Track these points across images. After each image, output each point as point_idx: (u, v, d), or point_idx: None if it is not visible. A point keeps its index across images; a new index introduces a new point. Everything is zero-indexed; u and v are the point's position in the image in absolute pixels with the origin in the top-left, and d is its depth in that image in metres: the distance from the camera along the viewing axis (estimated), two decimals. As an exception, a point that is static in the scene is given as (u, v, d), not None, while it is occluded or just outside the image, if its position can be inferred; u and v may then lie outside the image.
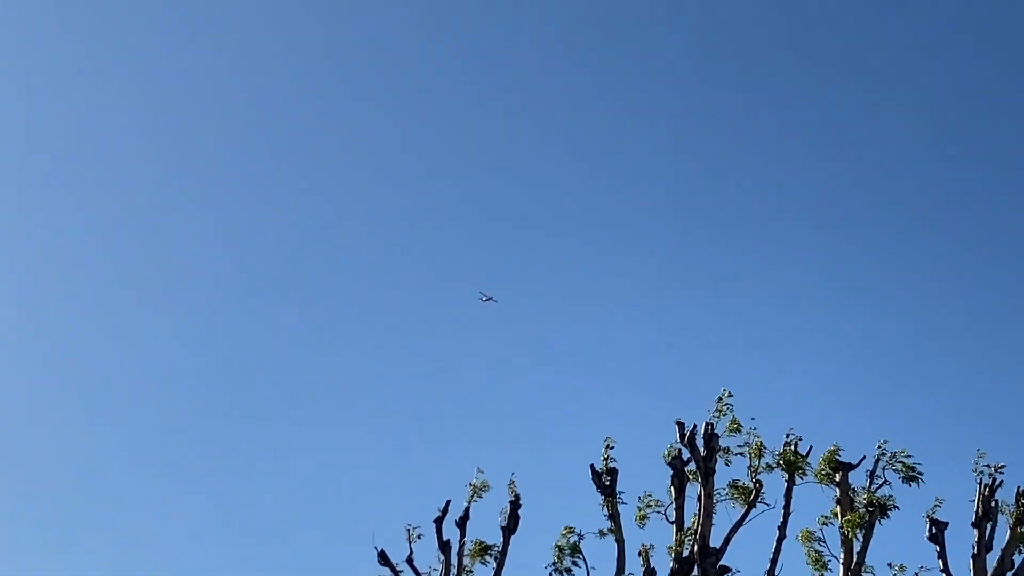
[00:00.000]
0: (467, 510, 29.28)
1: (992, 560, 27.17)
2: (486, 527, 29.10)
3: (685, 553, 26.76)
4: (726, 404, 28.00)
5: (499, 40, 79.01)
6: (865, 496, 27.01)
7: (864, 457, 27.23)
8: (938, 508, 27.08)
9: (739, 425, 27.84)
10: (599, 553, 27.83)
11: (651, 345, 71.64)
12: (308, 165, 79.43)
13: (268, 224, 78.85)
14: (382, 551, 28.82)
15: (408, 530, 29.05)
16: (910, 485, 26.97)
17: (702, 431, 27.83)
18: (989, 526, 27.12)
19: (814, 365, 67.78)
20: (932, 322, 72.27)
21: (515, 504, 29.12)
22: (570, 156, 79.90)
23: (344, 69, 80.00)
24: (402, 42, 78.53)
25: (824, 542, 27.09)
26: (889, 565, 26.88)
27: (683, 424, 28.08)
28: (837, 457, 27.42)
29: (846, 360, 69.08)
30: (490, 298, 59.48)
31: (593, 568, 27.70)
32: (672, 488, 27.85)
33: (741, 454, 27.63)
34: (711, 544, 26.64)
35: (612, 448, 28.54)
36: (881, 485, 27.09)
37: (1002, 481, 27.19)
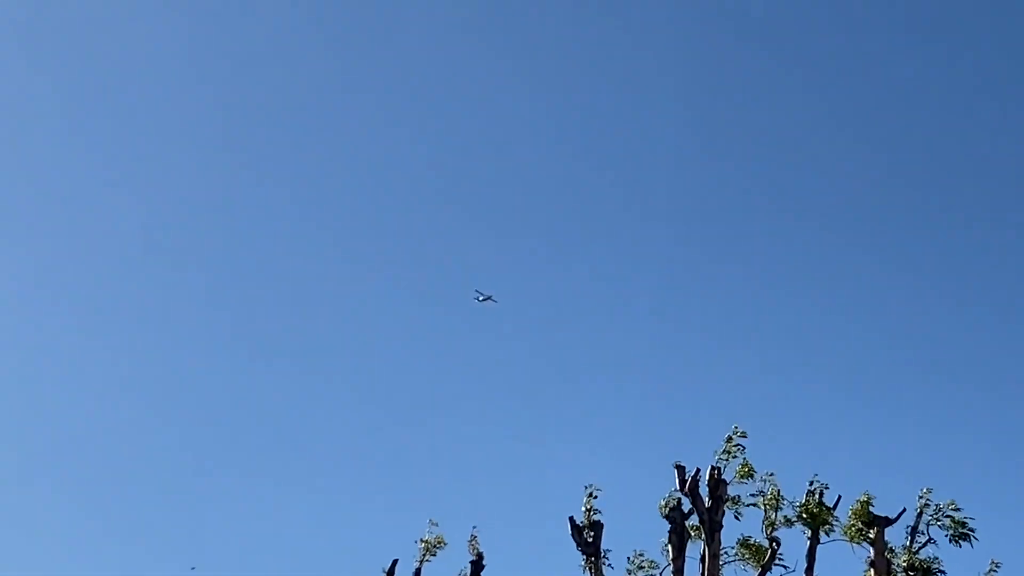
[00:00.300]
0: (417, 572, 24.36)
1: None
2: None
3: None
4: (737, 444, 24.02)
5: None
6: (905, 557, 23.85)
7: (904, 510, 24.00)
8: (994, 573, 24.06)
9: (752, 470, 24.25)
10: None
11: (648, 373, 68.43)
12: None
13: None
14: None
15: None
16: (960, 545, 23.81)
17: (707, 476, 23.84)
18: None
19: (842, 400, 64.38)
20: (985, 351, 69.02)
21: (477, 565, 24.70)
22: (566, 186, 77.85)
23: (341, 79, 78.85)
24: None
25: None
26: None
27: (683, 468, 23.95)
28: (871, 509, 23.92)
29: (881, 396, 65.50)
30: (488, 297, 54.85)
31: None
32: (670, 546, 24.07)
33: (754, 505, 24.03)
34: (720, 621, 23.37)
35: (596, 497, 24.84)
36: (925, 544, 23.95)
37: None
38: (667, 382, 69.76)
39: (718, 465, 23.65)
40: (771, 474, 23.81)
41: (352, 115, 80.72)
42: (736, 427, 23.78)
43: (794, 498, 23.76)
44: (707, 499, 23.49)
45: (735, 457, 23.75)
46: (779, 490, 23.75)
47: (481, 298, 54.25)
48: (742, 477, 23.69)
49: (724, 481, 23.61)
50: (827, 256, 76.67)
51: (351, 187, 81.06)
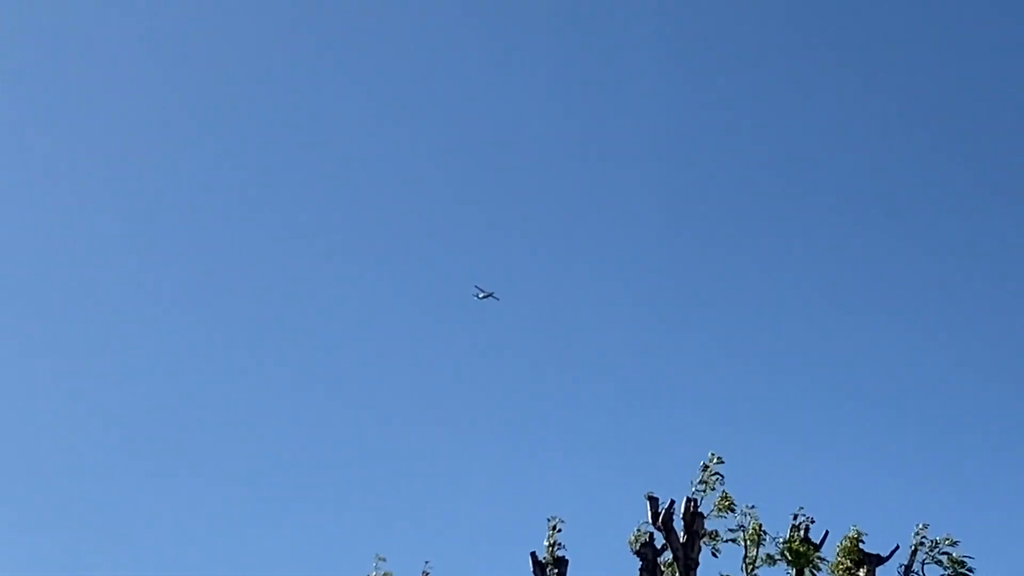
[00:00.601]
0: (364, 612, 22.47)
1: None
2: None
3: None
4: (715, 474, 22.11)
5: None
6: (899, 600, 22.17)
7: (897, 547, 22.26)
8: (995, 616, 21.89)
9: (731, 502, 22.52)
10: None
11: (619, 396, 67.43)
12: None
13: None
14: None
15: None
16: (958, 585, 22.33)
17: (682, 509, 22.12)
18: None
19: (831, 428, 63.00)
20: (983, 380, 67.96)
21: (429, 604, 22.46)
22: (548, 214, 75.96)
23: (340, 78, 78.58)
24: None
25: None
26: None
27: (656, 499, 22.26)
28: (861, 546, 22.17)
29: (872, 424, 64.17)
30: (489, 294, 53.15)
31: None
32: (641, 585, 22.39)
33: (733, 540, 22.20)
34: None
35: (560, 530, 23.13)
36: (920, 585, 22.43)
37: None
38: (640, 406, 68.24)
39: (694, 497, 21.94)
40: (752, 507, 22.04)
41: (351, 113, 79.97)
42: (713, 454, 21.93)
43: (777, 534, 22.04)
44: (682, 534, 21.83)
45: (713, 488, 21.98)
46: (761, 524, 22.03)
47: (481, 295, 52.50)
48: (721, 510, 21.94)
49: (701, 514, 21.89)
50: (815, 275, 75.56)
51: (351, 184, 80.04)
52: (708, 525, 21.86)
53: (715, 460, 21.90)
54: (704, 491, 21.92)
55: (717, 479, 21.90)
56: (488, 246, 77.86)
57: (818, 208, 78.03)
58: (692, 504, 21.87)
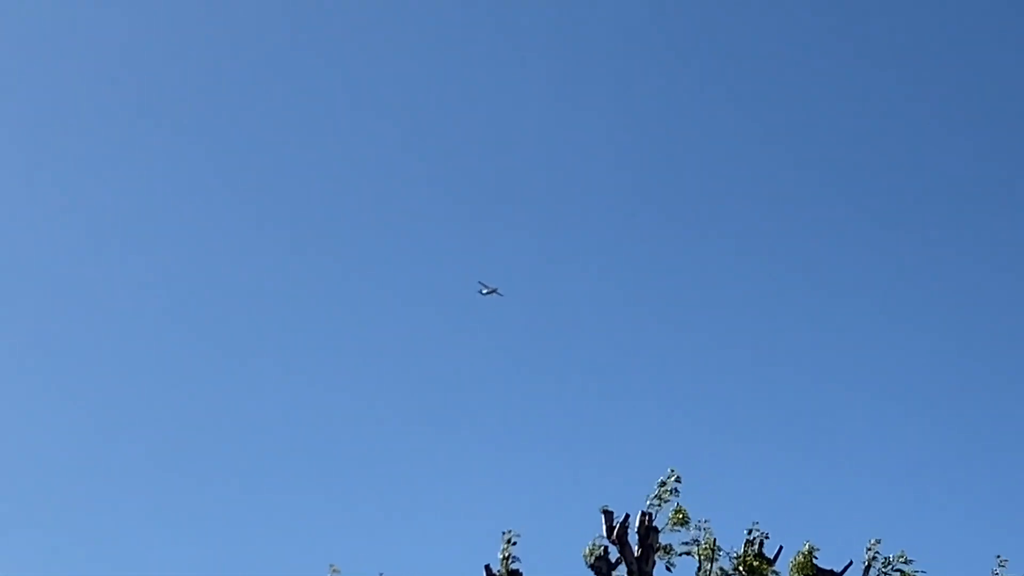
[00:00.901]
0: (315, 624, 22.15)
1: None
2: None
3: None
4: (671, 488, 21.79)
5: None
6: (853, 615, 22.13)
7: (851, 562, 22.28)
8: (947, 632, 21.79)
9: (686, 516, 22.39)
10: None
11: (574, 409, 66.93)
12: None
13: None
14: None
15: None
16: (912, 601, 22.24)
17: (636, 523, 22.01)
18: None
19: (785, 442, 62.79)
20: (940, 392, 68.00)
21: (382, 617, 22.22)
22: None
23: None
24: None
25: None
26: None
27: (611, 513, 22.17)
28: (815, 561, 22.12)
29: (827, 438, 63.92)
30: (493, 290, 52.54)
31: None
32: (595, 599, 22.24)
33: (688, 554, 22.08)
34: None
35: (515, 543, 22.70)
36: (873, 600, 22.34)
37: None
38: (596, 419, 67.91)
39: (649, 511, 21.86)
40: (706, 521, 21.95)
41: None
42: (671, 470, 21.93)
43: (731, 548, 21.93)
44: (636, 548, 21.76)
45: (668, 502, 21.91)
46: (715, 539, 21.90)
47: (485, 291, 51.98)
48: (675, 524, 21.84)
49: (655, 528, 21.82)
50: (771, 290, 75.70)
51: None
52: (662, 539, 21.79)
53: (673, 476, 21.89)
54: (659, 505, 21.89)
55: (672, 494, 21.89)
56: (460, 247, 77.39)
57: (783, 226, 78.16)
58: (647, 518, 21.82)
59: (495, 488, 60.27)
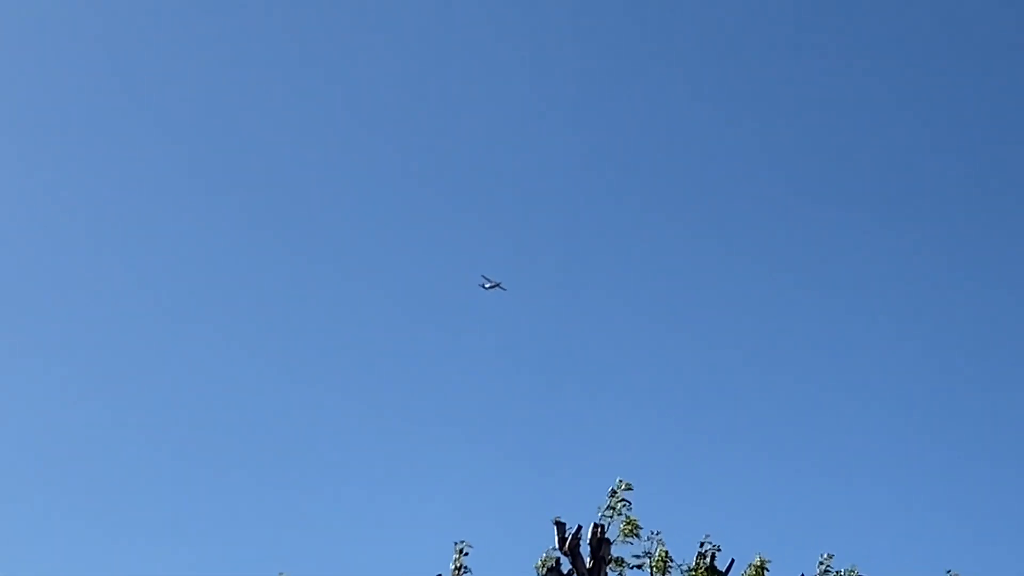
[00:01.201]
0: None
1: None
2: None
3: None
4: (622, 500, 21.53)
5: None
6: (804, 630, 22.19)
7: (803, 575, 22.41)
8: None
9: (638, 528, 22.05)
10: None
11: (526, 420, 66.18)
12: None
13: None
14: None
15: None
16: (863, 617, 22.26)
17: (588, 534, 21.77)
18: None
19: (738, 454, 62.41)
20: (891, 403, 67.77)
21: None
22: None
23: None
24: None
25: None
26: None
27: (563, 524, 21.92)
28: (766, 574, 22.14)
29: (779, 450, 63.56)
30: (496, 284, 51.65)
31: None
32: (546, 610, 21.89)
33: (639, 567, 21.92)
34: None
35: (467, 554, 22.45)
36: (825, 615, 22.31)
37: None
38: (548, 430, 67.60)
39: (601, 522, 21.61)
40: (658, 534, 21.83)
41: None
42: (621, 480, 21.76)
43: (683, 561, 21.84)
44: (588, 559, 21.43)
45: (620, 514, 21.73)
46: (667, 551, 21.79)
47: (488, 285, 51.39)
48: (627, 536, 21.65)
49: (607, 540, 21.58)
50: (723, 304, 75.72)
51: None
52: (614, 551, 21.55)
53: (623, 486, 21.74)
54: (611, 517, 21.71)
55: (624, 505, 21.74)
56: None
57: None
58: (599, 530, 21.61)
59: (448, 498, 59.82)
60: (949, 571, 22.81)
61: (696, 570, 21.78)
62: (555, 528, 21.80)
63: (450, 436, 68.36)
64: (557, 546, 21.69)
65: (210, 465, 67.02)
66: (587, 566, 21.54)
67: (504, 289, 53.21)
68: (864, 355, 72.65)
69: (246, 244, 77.34)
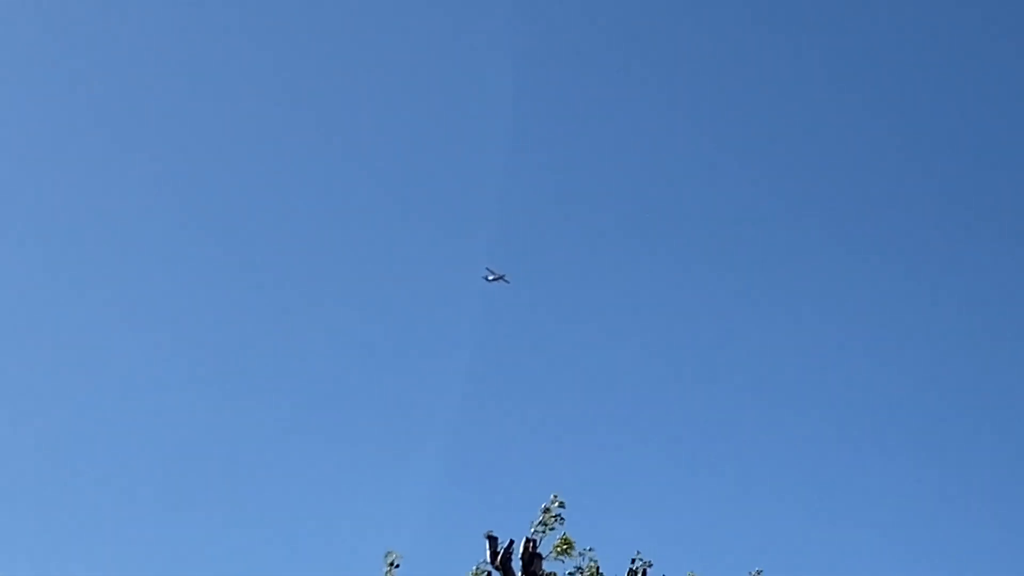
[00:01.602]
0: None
1: None
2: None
3: None
4: (555, 515, 21.38)
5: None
6: (731, 646, 22.17)
7: None
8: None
9: (570, 543, 21.90)
10: None
11: (460, 432, 65.49)
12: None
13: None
14: None
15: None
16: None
17: (520, 549, 21.74)
18: None
19: (669, 470, 62.22)
20: (823, 419, 67.67)
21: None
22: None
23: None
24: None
25: None
26: None
27: (496, 539, 21.93)
28: None
29: (709, 467, 63.33)
30: (499, 277, 50.84)
31: None
32: (477, 625, 21.91)
33: None
34: None
35: (397, 566, 22.24)
36: (756, 633, 22.44)
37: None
38: (483, 443, 67.28)
39: (534, 537, 21.61)
40: (590, 550, 21.82)
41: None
42: (555, 496, 21.75)
43: (614, 576, 21.80)
44: (520, 574, 21.44)
45: (553, 529, 21.72)
46: (599, 567, 21.76)
47: (492, 277, 50.79)
48: (559, 552, 21.63)
49: (539, 555, 21.57)
50: (648, 310, 75.75)
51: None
52: (546, 566, 21.54)
53: (556, 502, 21.73)
54: (543, 532, 21.70)
55: (557, 520, 21.73)
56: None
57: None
58: (531, 544, 21.59)
59: (379, 509, 59.31)
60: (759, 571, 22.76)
61: (627, 586, 21.85)
62: (487, 542, 21.78)
63: (382, 448, 67.92)
64: (489, 560, 21.66)
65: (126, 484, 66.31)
66: (518, 581, 21.57)
67: (508, 282, 53.00)
68: (798, 370, 73.07)
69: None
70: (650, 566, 21.96)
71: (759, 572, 22.14)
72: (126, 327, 76.33)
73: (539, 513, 21.71)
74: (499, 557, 21.57)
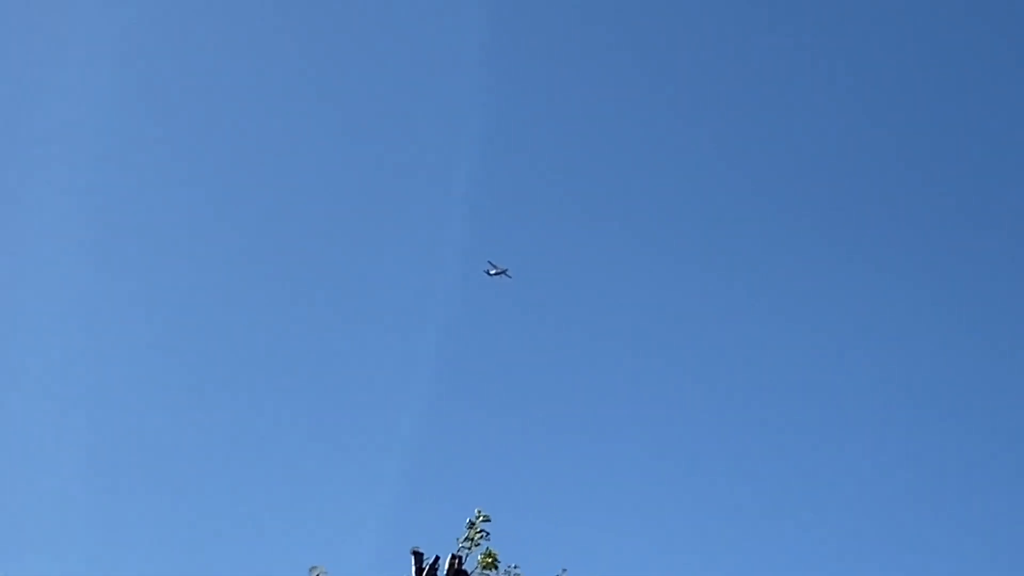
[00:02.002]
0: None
1: None
2: None
3: None
4: (481, 531, 21.29)
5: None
6: (656, 662, 21.49)
7: None
8: None
9: (496, 559, 21.69)
10: None
11: (385, 445, 64.98)
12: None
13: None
14: None
15: None
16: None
17: (446, 565, 21.64)
18: None
19: (594, 488, 61.82)
20: (745, 433, 67.50)
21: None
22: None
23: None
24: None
25: None
26: None
27: (421, 554, 21.81)
28: None
29: (633, 485, 62.96)
30: (502, 271, 50.30)
31: None
32: (400, 642, 21.75)
33: None
34: None
35: None
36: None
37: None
38: (409, 457, 67.00)
39: (459, 553, 21.55)
40: (516, 567, 21.74)
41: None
42: (479, 511, 21.71)
43: (541, 593, 21.79)
44: (445, 590, 21.39)
45: (478, 545, 21.67)
46: (524, 583, 21.73)
47: (493, 271, 50.39)
48: (485, 567, 21.54)
49: (465, 572, 21.44)
50: (587, 335, 75.56)
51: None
52: (472, 582, 21.64)
53: (481, 517, 21.69)
54: (469, 548, 21.67)
55: (482, 536, 21.69)
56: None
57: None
58: (456, 560, 21.54)
59: (304, 522, 58.82)
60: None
61: (552, 603, 21.79)
62: (412, 558, 21.71)
63: (309, 458, 67.38)
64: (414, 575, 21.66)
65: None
66: (444, 597, 21.51)
67: (510, 276, 52.74)
68: (724, 375, 73.22)
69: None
70: (575, 582, 21.96)
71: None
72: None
73: (465, 528, 21.70)
74: (424, 573, 21.53)
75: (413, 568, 21.63)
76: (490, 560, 21.61)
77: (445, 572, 21.59)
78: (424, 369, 72.98)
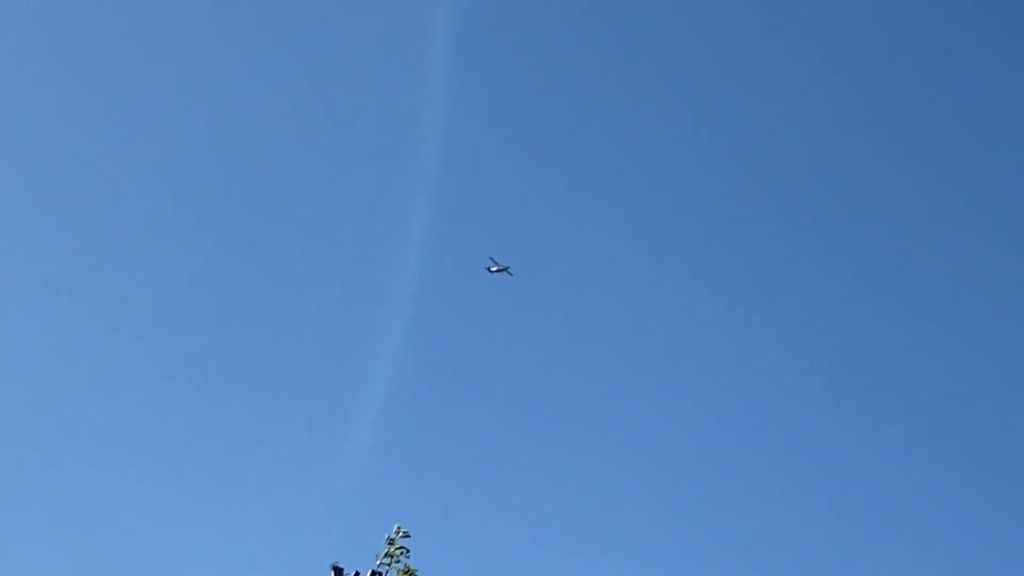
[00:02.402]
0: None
1: None
2: None
3: None
4: (400, 547, 21.46)
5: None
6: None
7: None
8: None
9: (413, 573, 21.48)
10: None
11: (312, 459, 63.75)
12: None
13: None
14: None
15: None
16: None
17: (365, 580, 21.36)
18: None
19: (520, 500, 61.18)
20: (694, 444, 66.48)
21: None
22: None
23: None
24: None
25: None
26: None
27: (341, 569, 21.88)
28: None
29: (560, 495, 62.10)
30: (503, 268, 49.86)
31: None
32: (318, 656, 21.35)
33: None
34: None
35: None
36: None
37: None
38: (332, 472, 66.16)
39: (379, 569, 21.79)
40: (434, 582, 22.02)
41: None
42: (399, 527, 21.94)
43: (458, 608, 22.07)
44: (364, 606, 21.70)
45: (398, 561, 21.90)
46: (442, 598, 21.98)
47: (495, 268, 50.09)
48: (403, 583, 21.84)
49: (384, 587, 21.79)
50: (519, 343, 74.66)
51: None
52: (390, 598, 21.80)
53: (400, 533, 21.90)
54: (389, 564, 21.87)
55: (402, 552, 21.88)
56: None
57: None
58: (376, 576, 21.81)
59: (223, 538, 58.26)
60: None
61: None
62: (332, 573, 21.93)
63: (231, 473, 66.72)
64: (333, 590, 21.84)
65: None
66: (363, 612, 21.70)
67: (511, 274, 52.36)
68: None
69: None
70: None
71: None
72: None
73: (384, 544, 21.90)
74: (343, 589, 21.73)
75: (333, 583, 21.87)
76: (407, 575, 21.82)
77: (364, 587, 21.82)
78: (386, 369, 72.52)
